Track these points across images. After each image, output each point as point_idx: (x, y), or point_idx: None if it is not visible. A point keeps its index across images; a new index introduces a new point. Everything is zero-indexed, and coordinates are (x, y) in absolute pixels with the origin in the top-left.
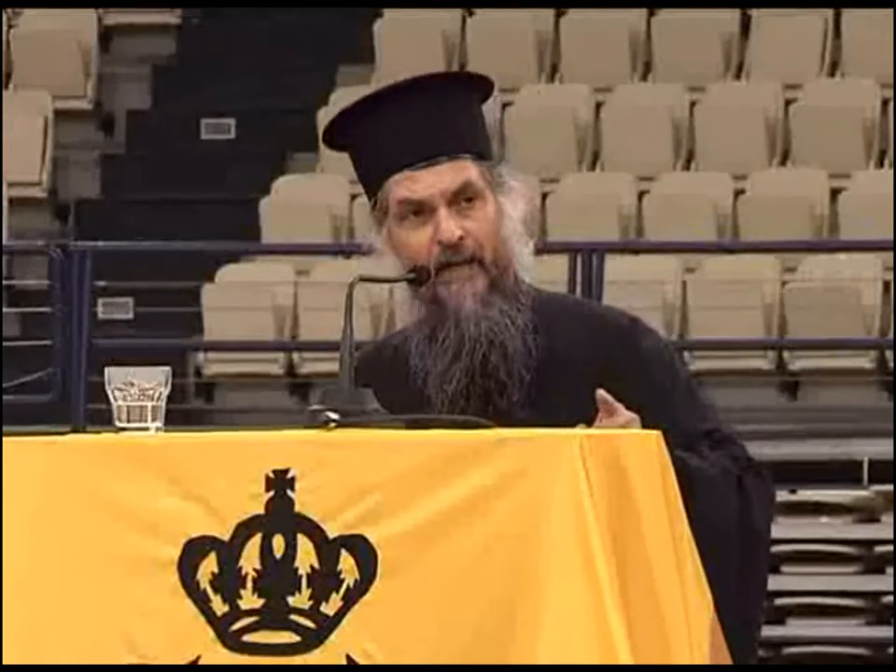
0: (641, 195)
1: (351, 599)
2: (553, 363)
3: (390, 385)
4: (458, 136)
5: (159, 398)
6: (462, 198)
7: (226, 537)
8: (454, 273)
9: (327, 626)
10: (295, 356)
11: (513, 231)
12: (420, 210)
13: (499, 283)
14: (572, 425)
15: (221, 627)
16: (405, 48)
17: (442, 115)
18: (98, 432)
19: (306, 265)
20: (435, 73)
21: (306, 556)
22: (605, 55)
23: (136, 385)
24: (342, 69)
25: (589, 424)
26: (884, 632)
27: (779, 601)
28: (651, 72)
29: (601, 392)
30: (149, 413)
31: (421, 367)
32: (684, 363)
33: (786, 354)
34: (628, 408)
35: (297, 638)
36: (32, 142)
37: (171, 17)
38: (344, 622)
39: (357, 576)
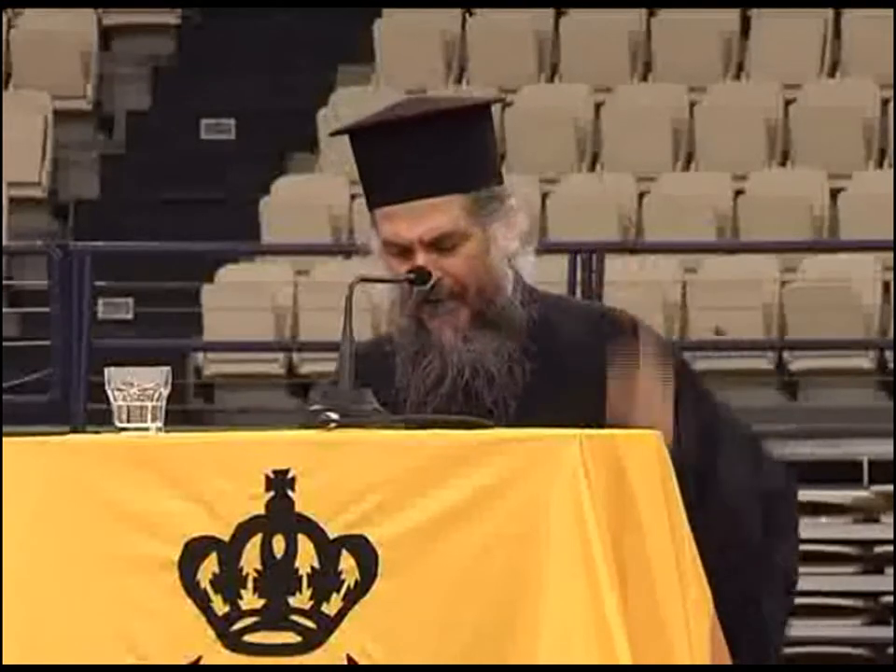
0: (641, 195)
1: (351, 599)
2: (545, 384)
3: (379, 387)
4: (446, 173)
5: (158, 398)
6: (442, 243)
7: (226, 537)
8: (434, 310)
9: (327, 626)
10: (295, 356)
11: (505, 256)
12: (401, 251)
13: (485, 313)
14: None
15: (222, 627)
16: (405, 48)
17: (432, 151)
18: (98, 432)
19: (306, 265)
20: (431, 108)
21: (306, 556)
22: (605, 55)
23: (136, 386)
24: (341, 69)
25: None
26: (884, 632)
27: None
28: (650, 72)
29: None
30: (149, 414)
31: (404, 383)
32: (686, 361)
33: (786, 354)
34: (630, 408)
35: (297, 639)
36: (32, 142)
37: (171, 17)
38: (345, 622)
39: (358, 576)
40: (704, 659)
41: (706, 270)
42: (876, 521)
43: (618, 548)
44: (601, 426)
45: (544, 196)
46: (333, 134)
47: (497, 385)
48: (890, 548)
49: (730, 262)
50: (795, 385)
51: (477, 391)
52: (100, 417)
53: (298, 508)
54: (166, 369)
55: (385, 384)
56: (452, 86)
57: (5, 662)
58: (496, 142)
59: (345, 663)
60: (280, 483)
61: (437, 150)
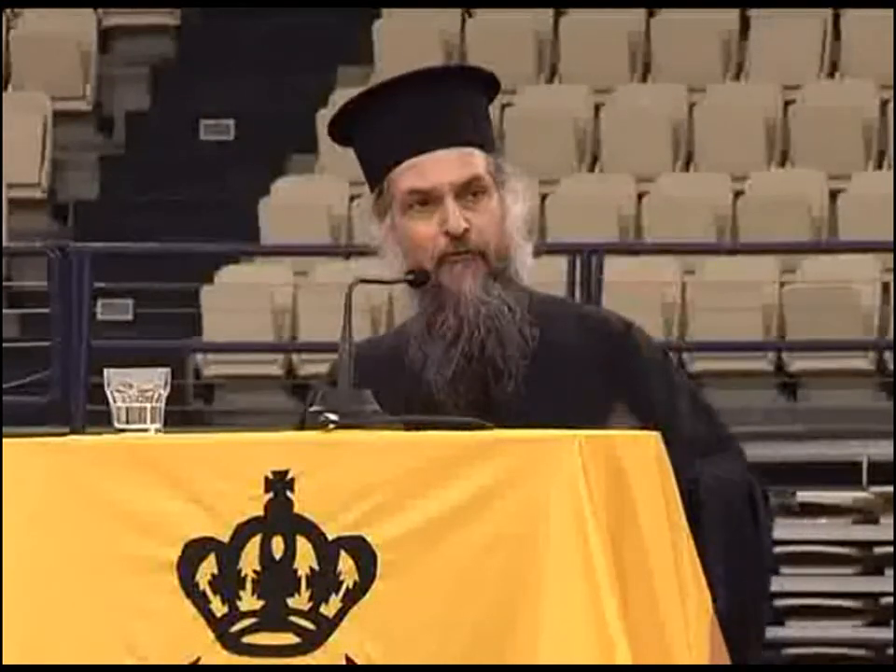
0: (641, 196)
1: (350, 600)
2: (551, 356)
3: (386, 375)
4: (465, 128)
5: (158, 399)
6: (469, 191)
7: (225, 538)
8: (456, 259)
9: (326, 627)
10: (294, 357)
11: (515, 226)
12: (427, 200)
13: (500, 275)
14: (568, 414)
15: (221, 629)
16: (405, 48)
17: (449, 106)
18: (97, 433)
19: (305, 266)
20: (442, 66)
21: (305, 558)
22: (604, 56)
23: (136, 387)
24: (341, 70)
25: (586, 416)
26: (884, 633)
27: (779, 602)
28: (650, 73)
29: None
30: (149, 415)
31: (420, 354)
32: (682, 367)
33: (785, 355)
34: (630, 412)
35: (296, 640)
36: (31, 143)
37: (170, 18)
38: (344, 623)
39: (357, 577)
40: (703, 659)
41: (705, 271)
42: (876, 522)
43: (617, 548)
44: (597, 413)
45: (544, 197)
46: (335, 119)
47: (507, 346)
48: (890, 549)
49: (729, 263)
50: (795, 385)
51: (490, 351)
52: (99, 418)
53: (297, 509)
54: (165, 370)
55: (395, 366)
56: None
57: (5, 662)
58: None
59: (344, 663)
60: (279, 484)
61: (456, 107)
